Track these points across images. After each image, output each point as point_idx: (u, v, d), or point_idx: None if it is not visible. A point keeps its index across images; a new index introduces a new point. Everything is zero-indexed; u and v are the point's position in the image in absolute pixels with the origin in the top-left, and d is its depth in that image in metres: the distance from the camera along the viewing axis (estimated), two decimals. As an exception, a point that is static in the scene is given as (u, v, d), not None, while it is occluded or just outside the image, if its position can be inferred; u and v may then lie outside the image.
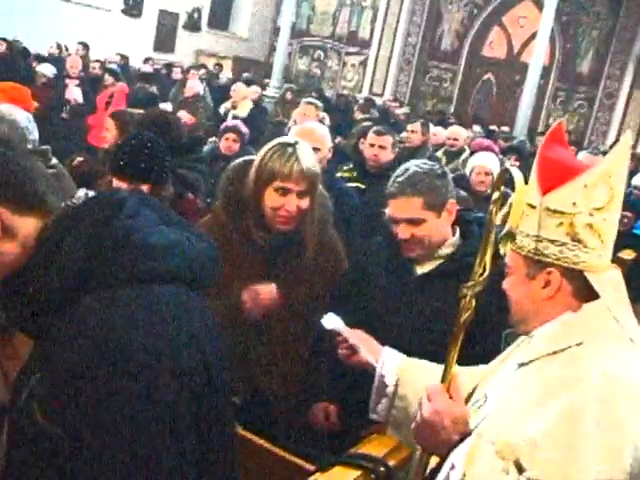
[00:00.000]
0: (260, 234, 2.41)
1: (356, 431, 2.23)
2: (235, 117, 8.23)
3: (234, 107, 8.76)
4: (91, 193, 1.36)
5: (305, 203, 2.40)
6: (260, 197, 2.38)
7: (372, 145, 4.61)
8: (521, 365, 1.60)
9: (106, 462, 1.16)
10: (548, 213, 1.52)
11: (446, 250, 2.43)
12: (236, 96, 8.91)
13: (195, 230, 1.43)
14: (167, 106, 7.80)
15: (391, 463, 1.95)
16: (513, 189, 1.60)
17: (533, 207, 1.56)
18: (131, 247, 1.25)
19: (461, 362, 1.95)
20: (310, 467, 1.89)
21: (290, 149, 2.39)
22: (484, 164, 5.00)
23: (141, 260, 1.25)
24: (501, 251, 1.67)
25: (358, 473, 1.85)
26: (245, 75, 13.34)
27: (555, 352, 1.52)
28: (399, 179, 2.36)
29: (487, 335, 2.29)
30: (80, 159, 4.38)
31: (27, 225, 1.26)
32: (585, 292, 1.53)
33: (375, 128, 4.82)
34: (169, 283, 1.29)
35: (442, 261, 2.41)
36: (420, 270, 2.43)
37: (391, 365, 2.00)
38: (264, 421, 2.14)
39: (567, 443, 1.36)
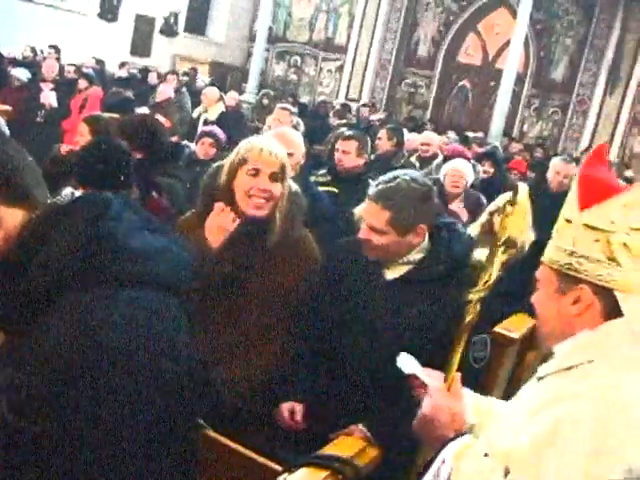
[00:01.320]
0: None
1: (324, 432, 2.24)
2: (205, 120, 8.28)
3: (206, 111, 8.79)
4: (77, 192, 1.37)
5: (276, 188, 2.43)
6: (231, 184, 2.43)
7: (337, 150, 4.70)
8: (539, 379, 1.59)
9: (81, 457, 1.18)
10: (585, 229, 1.52)
11: (416, 255, 2.44)
12: (206, 100, 8.95)
13: (174, 236, 1.45)
14: (144, 111, 7.77)
15: (359, 463, 1.99)
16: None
17: (570, 222, 1.56)
18: (114, 249, 1.26)
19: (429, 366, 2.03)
20: (278, 467, 1.90)
21: (262, 139, 2.54)
22: (457, 167, 5.17)
23: (123, 263, 1.27)
24: (501, 258, 1.70)
25: (326, 473, 1.87)
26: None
27: (569, 368, 1.50)
28: (380, 185, 2.36)
29: (435, 330, 2.32)
30: (69, 147, 4.38)
31: (13, 216, 1.27)
32: (615, 312, 1.50)
33: (340, 133, 4.90)
34: (147, 286, 1.30)
35: (411, 267, 2.42)
36: (390, 275, 2.44)
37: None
38: (232, 422, 2.15)
39: (542, 456, 1.36)
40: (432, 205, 2.42)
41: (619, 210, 1.49)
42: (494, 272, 1.72)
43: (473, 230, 4.00)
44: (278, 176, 2.43)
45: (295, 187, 2.61)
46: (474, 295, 1.74)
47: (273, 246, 2.46)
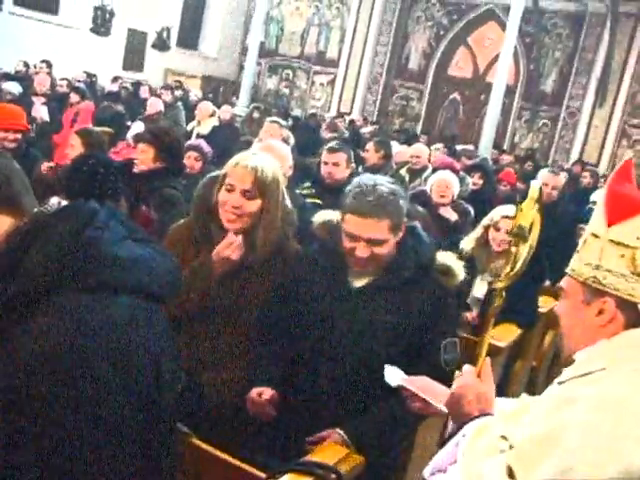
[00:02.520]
0: (214, 232, 2.49)
1: (303, 439, 2.25)
2: (198, 134, 8.31)
3: (199, 125, 8.84)
4: (63, 202, 1.40)
5: (252, 205, 2.44)
6: (217, 197, 2.47)
7: (326, 163, 4.71)
8: (560, 383, 1.63)
9: (81, 458, 1.22)
10: (611, 244, 1.57)
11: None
12: (200, 114, 8.98)
13: (157, 246, 1.48)
14: (139, 125, 7.75)
15: (342, 470, 2.00)
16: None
17: (597, 237, 1.60)
18: (100, 257, 1.29)
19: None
20: (261, 475, 1.92)
21: (249, 155, 2.52)
22: (445, 177, 5.24)
23: (108, 270, 1.30)
24: (513, 249, 1.82)
25: (309, 480, 1.89)
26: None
27: (585, 374, 1.53)
28: (369, 198, 2.28)
29: (427, 344, 2.36)
30: (50, 165, 4.42)
31: (1, 223, 1.31)
32: (638, 324, 1.54)
33: (328, 146, 4.89)
34: (130, 294, 1.34)
35: (377, 275, 2.40)
36: (358, 283, 2.42)
37: None
38: (213, 429, 2.17)
39: (540, 454, 1.41)
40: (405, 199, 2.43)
41: None
42: (517, 264, 1.83)
43: (468, 244, 4.06)
44: (252, 193, 2.43)
45: (285, 204, 2.60)
46: (499, 284, 1.88)
47: (259, 262, 2.48)
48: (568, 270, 1.66)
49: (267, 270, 2.51)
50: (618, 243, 1.56)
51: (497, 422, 1.65)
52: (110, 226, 1.35)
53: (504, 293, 1.87)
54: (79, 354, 1.23)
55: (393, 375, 2.19)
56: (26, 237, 1.29)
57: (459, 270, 2.51)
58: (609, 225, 1.59)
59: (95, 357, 1.24)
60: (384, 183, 2.34)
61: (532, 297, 3.98)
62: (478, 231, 4.11)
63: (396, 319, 2.35)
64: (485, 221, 4.10)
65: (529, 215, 1.80)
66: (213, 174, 2.62)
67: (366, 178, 2.40)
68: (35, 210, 1.35)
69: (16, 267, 1.26)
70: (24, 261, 1.26)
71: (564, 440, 1.39)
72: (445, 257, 2.54)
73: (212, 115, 9.03)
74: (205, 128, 8.64)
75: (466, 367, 1.83)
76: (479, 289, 4.01)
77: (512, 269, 1.83)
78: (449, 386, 1.85)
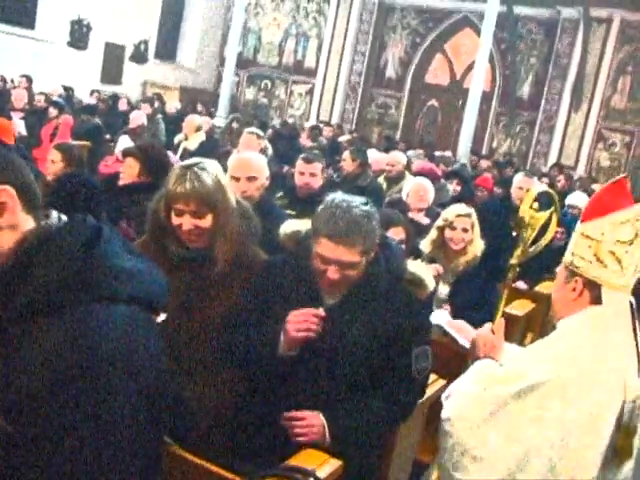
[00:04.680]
0: (174, 250, 2.47)
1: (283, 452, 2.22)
2: (185, 149, 8.22)
3: (186, 139, 8.62)
4: (64, 217, 1.45)
5: (205, 222, 2.42)
6: (169, 217, 2.46)
7: (302, 173, 4.64)
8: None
9: (81, 458, 1.25)
10: (582, 237, 2.05)
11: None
12: (187, 128, 8.74)
13: (148, 259, 1.54)
14: (126, 139, 7.67)
15: (321, 475, 2.04)
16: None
17: (575, 231, 2.10)
18: (108, 269, 1.36)
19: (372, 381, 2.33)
20: (241, 480, 1.96)
21: (185, 171, 2.43)
22: (422, 183, 5.37)
23: (117, 282, 1.36)
24: (513, 233, 2.57)
25: (289, 485, 1.93)
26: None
27: (558, 338, 2.07)
28: (342, 223, 2.24)
29: (399, 354, 2.38)
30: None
31: (27, 223, 1.36)
32: (599, 301, 2.01)
33: (303, 156, 4.83)
34: (135, 304, 1.39)
35: (350, 290, 2.38)
36: (330, 300, 2.38)
37: None
38: (193, 435, 2.19)
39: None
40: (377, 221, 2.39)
41: (608, 225, 2.00)
42: (521, 247, 2.51)
43: (426, 247, 4.12)
44: (204, 211, 2.41)
45: (244, 209, 2.60)
46: (513, 261, 2.53)
47: (220, 273, 2.46)
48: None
49: (229, 283, 2.49)
50: (587, 236, 2.03)
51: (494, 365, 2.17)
52: (113, 241, 1.42)
53: (517, 268, 2.56)
54: (98, 361, 1.27)
55: (440, 316, 2.85)
56: (33, 249, 1.33)
57: (429, 281, 2.55)
58: (582, 222, 2.08)
59: (110, 365, 1.29)
60: (358, 205, 2.30)
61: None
62: (433, 233, 4.17)
63: (370, 333, 2.35)
64: (439, 222, 4.18)
65: (524, 210, 2.47)
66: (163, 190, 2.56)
67: (340, 199, 2.32)
68: (42, 223, 1.40)
69: (24, 279, 1.30)
70: (33, 273, 1.30)
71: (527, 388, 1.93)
72: (416, 267, 2.57)
73: (199, 130, 8.78)
74: (193, 143, 8.43)
75: (487, 325, 2.32)
76: (442, 290, 4.07)
77: (521, 253, 2.50)
78: (421, 393, 2.45)
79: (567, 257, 2.10)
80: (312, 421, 2.29)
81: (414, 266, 2.57)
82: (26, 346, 1.28)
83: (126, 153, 4.34)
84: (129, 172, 4.08)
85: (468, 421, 1.98)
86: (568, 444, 1.87)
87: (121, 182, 4.12)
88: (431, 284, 2.55)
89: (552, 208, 2.57)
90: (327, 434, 2.30)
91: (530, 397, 1.92)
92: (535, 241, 2.57)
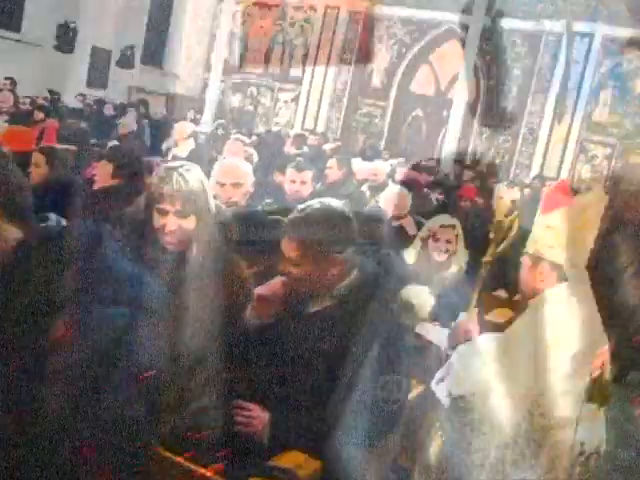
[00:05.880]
0: (153, 255, 2.48)
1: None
2: (174, 156, 8.15)
3: (176, 145, 8.52)
4: (63, 221, 1.48)
5: (189, 223, 2.38)
6: (150, 220, 2.43)
7: (293, 181, 4.66)
8: None
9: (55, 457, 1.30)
10: (542, 226, 2.57)
11: (343, 290, 2.42)
12: (177, 134, 8.55)
13: (144, 263, 1.58)
14: (113, 143, 7.64)
15: (300, 475, 2.09)
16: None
17: (536, 223, 2.65)
18: (117, 273, 1.41)
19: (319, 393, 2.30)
20: None
21: (170, 172, 2.43)
22: (396, 192, 5.41)
23: (117, 284, 1.41)
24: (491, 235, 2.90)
25: (268, 484, 1.97)
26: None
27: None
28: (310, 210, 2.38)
29: (344, 365, 2.29)
30: None
31: (9, 233, 1.37)
32: (565, 279, 2.57)
33: (294, 164, 4.85)
34: (130, 306, 1.43)
35: (335, 301, 2.39)
36: (312, 307, 2.41)
37: None
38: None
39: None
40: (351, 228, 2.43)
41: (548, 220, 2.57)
42: (499, 246, 2.88)
43: (410, 257, 4.14)
44: (188, 212, 2.39)
45: (225, 216, 2.64)
46: (486, 259, 2.90)
47: (194, 275, 2.42)
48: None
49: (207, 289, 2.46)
50: (547, 226, 2.53)
51: None
52: (113, 246, 1.46)
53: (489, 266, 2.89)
54: (114, 361, 1.32)
55: (437, 335, 3.01)
56: (36, 252, 1.36)
57: (423, 309, 2.58)
58: (542, 214, 2.60)
59: (128, 362, 1.35)
60: (323, 206, 2.42)
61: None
62: (417, 244, 4.12)
63: (343, 345, 2.31)
64: (423, 233, 4.10)
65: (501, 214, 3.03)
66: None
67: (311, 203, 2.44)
68: (41, 225, 1.42)
69: (26, 281, 1.33)
70: (36, 275, 1.33)
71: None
72: (415, 293, 2.59)
73: (189, 137, 8.68)
74: (183, 150, 8.34)
75: (462, 314, 2.83)
76: (427, 302, 4.05)
77: (493, 251, 2.87)
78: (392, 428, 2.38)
79: (531, 246, 2.60)
80: (256, 414, 2.29)
81: (414, 292, 2.58)
82: (29, 352, 1.32)
83: (100, 156, 4.32)
84: (102, 174, 4.07)
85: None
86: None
87: (95, 186, 4.11)
88: (424, 312, 2.58)
89: (515, 213, 2.99)
90: (267, 432, 2.28)
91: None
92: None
